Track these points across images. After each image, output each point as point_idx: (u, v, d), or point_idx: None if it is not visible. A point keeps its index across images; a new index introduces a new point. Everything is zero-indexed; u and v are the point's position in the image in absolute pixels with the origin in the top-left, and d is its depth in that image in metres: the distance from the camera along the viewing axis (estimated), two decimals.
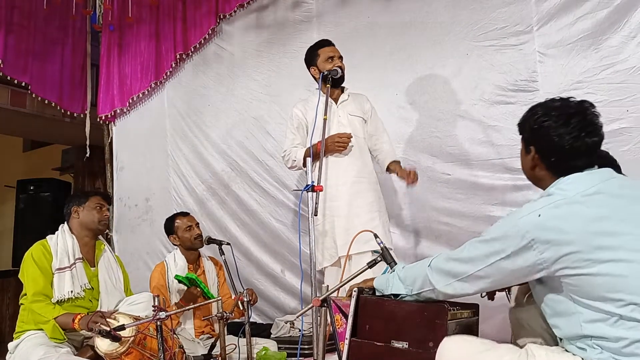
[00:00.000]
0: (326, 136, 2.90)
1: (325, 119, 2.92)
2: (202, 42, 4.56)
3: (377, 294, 1.84)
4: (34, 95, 4.90)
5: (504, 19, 3.27)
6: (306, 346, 3.17)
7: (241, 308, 2.69)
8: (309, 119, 3.10)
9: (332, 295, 1.94)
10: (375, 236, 2.05)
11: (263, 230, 4.19)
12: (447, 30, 3.47)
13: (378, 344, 1.73)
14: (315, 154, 2.92)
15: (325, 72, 3.01)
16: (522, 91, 3.19)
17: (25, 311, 2.71)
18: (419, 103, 3.56)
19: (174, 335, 2.62)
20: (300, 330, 3.35)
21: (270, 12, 4.28)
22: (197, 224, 3.47)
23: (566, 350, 1.47)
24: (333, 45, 3.16)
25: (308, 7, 4.07)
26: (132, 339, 2.37)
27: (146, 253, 4.70)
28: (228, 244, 3.26)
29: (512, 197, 3.14)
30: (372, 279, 1.88)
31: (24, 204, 6.37)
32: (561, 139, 1.50)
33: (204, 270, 3.41)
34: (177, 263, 3.32)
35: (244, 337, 2.63)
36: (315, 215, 2.69)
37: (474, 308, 1.91)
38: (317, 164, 2.85)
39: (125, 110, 4.98)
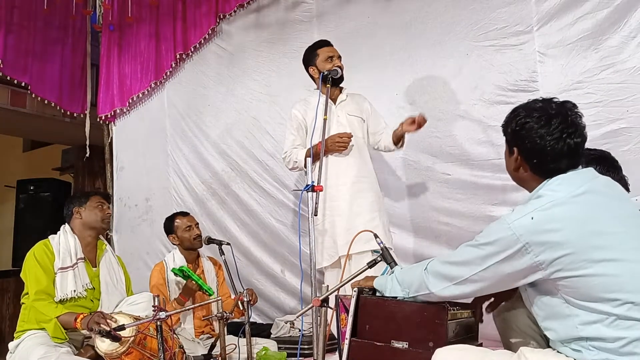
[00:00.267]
0: (326, 136, 2.90)
1: (325, 119, 2.92)
2: (202, 42, 4.56)
3: (377, 294, 1.84)
4: (33, 95, 4.90)
5: (504, 19, 3.27)
6: (306, 346, 3.18)
7: (241, 308, 2.69)
8: (308, 119, 3.10)
9: (340, 293, 1.94)
10: (376, 236, 2.05)
11: (263, 230, 4.19)
12: (447, 30, 3.47)
13: (378, 344, 1.73)
14: (315, 154, 2.92)
15: (325, 72, 3.02)
16: (522, 91, 3.18)
17: (27, 310, 2.71)
18: (419, 103, 3.56)
19: (174, 335, 2.62)
20: (300, 330, 3.35)
21: (270, 12, 4.28)
22: (197, 224, 3.47)
23: (559, 352, 1.46)
24: (332, 45, 3.16)
25: (308, 7, 4.07)
26: (132, 339, 2.37)
27: (146, 253, 4.70)
28: (228, 244, 3.26)
29: (512, 197, 3.14)
30: (373, 277, 1.89)
31: (24, 204, 6.36)
32: (542, 140, 1.49)
33: (203, 270, 3.41)
34: (176, 263, 3.32)
35: (244, 337, 2.63)
36: (315, 215, 2.69)
37: (474, 308, 1.91)
38: (317, 164, 2.85)
39: (125, 110, 4.98)
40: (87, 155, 5.20)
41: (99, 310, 2.75)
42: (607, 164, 2.13)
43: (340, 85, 3.17)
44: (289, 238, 4.04)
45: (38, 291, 2.69)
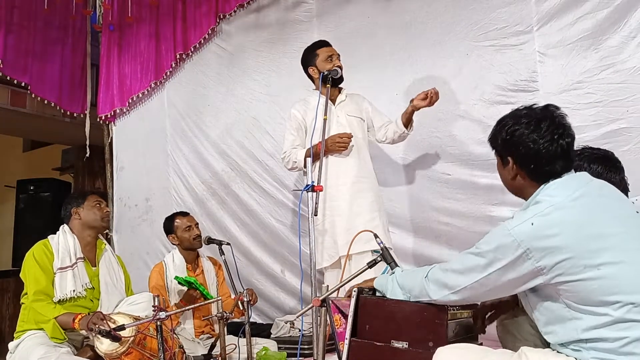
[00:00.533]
0: (326, 137, 2.90)
1: (325, 119, 2.92)
2: (202, 42, 4.56)
3: (377, 294, 1.84)
4: (33, 96, 4.90)
5: (504, 19, 3.27)
6: (306, 346, 3.17)
7: (241, 308, 2.69)
8: (308, 119, 3.10)
9: (331, 295, 1.94)
10: (375, 236, 2.05)
11: (263, 230, 4.19)
12: (447, 30, 3.47)
13: (378, 344, 1.73)
14: (315, 154, 2.92)
15: (325, 72, 3.02)
16: (522, 91, 3.18)
17: (26, 310, 2.71)
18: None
19: (174, 335, 2.62)
20: (300, 330, 3.35)
21: (270, 12, 4.28)
22: (197, 224, 3.47)
23: (559, 352, 1.47)
24: (330, 45, 3.16)
25: (308, 7, 4.07)
26: (132, 339, 2.37)
27: (146, 253, 4.70)
28: (228, 244, 3.26)
29: (512, 197, 3.07)
30: (373, 279, 1.88)
31: (24, 204, 6.37)
32: (536, 144, 1.51)
33: (202, 270, 3.41)
34: (175, 263, 3.32)
35: (244, 337, 2.63)
36: (315, 215, 2.69)
37: (474, 308, 1.91)
38: (317, 164, 2.85)
39: (125, 110, 4.98)
40: (87, 155, 5.20)
41: (98, 310, 2.74)
42: (609, 164, 2.13)
43: (340, 85, 3.17)
44: (289, 238, 4.04)
45: (37, 291, 2.68)
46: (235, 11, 4.41)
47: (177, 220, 3.42)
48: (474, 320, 1.90)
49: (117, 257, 3.13)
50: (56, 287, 2.71)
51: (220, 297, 2.83)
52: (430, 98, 2.94)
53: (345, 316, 1.84)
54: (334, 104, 3.14)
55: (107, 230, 4.87)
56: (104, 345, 2.37)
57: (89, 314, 2.62)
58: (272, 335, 3.53)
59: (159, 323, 2.28)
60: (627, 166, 2.17)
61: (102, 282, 2.90)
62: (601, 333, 1.36)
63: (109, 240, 4.86)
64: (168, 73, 4.72)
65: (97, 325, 2.38)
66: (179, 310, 2.91)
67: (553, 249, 1.39)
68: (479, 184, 3.30)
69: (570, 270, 1.38)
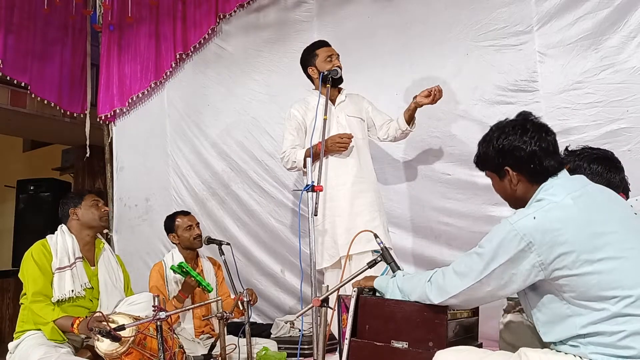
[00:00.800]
0: (326, 137, 2.90)
1: (325, 119, 2.92)
2: (202, 42, 4.56)
3: (377, 294, 1.84)
4: (33, 96, 4.90)
5: (504, 19, 3.27)
6: (306, 346, 3.18)
7: (241, 308, 2.69)
8: (307, 120, 3.10)
9: (340, 292, 1.95)
10: (376, 236, 2.05)
11: (263, 230, 4.19)
12: (447, 30, 3.47)
13: (378, 344, 1.73)
14: (315, 154, 2.92)
15: (325, 72, 3.02)
16: (522, 91, 3.19)
17: (26, 310, 2.71)
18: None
19: (174, 335, 2.62)
20: (300, 330, 3.35)
21: (270, 12, 4.27)
22: (198, 223, 3.48)
23: (558, 351, 1.48)
24: (330, 45, 3.16)
25: (308, 7, 4.07)
26: (132, 339, 2.37)
27: (146, 253, 4.70)
28: (228, 244, 3.26)
29: None
30: (373, 277, 1.89)
31: (24, 204, 6.37)
32: (528, 145, 1.56)
33: (202, 270, 3.41)
34: (175, 263, 3.32)
35: (244, 337, 2.63)
36: (315, 215, 2.70)
37: (474, 308, 1.91)
38: (317, 164, 2.85)
39: (125, 110, 4.98)
40: (87, 155, 5.20)
41: (98, 310, 2.73)
42: (609, 165, 2.13)
43: (339, 85, 3.17)
44: (289, 238, 4.04)
45: (35, 292, 2.67)
46: (235, 11, 4.41)
47: (178, 220, 3.42)
48: None
49: (116, 257, 3.12)
50: (55, 288, 2.70)
51: (220, 297, 2.83)
52: (434, 95, 2.95)
53: None
54: (334, 105, 3.14)
55: (107, 230, 4.88)
56: (104, 346, 2.37)
57: (86, 316, 2.62)
58: (272, 335, 3.53)
59: (159, 323, 2.28)
60: (627, 166, 2.17)
61: (101, 281, 2.89)
62: (599, 328, 1.38)
63: (109, 240, 4.86)
64: (168, 73, 4.72)
65: (98, 325, 2.38)
66: (179, 310, 2.91)
67: (555, 243, 1.41)
68: (479, 184, 3.29)
69: (570, 265, 1.40)
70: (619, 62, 2.93)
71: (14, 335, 2.72)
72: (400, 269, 1.95)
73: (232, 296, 3.22)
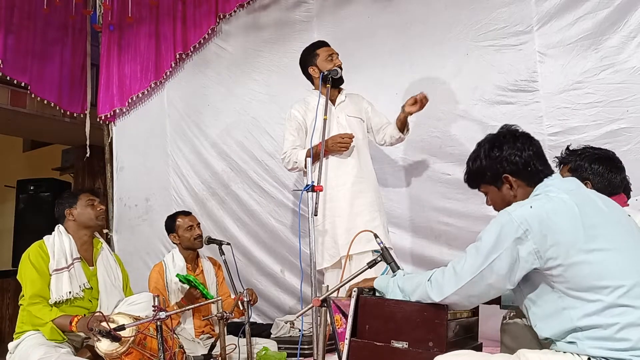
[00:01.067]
0: (326, 137, 2.90)
1: (325, 119, 2.92)
2: (202, 41, 4.56)
3: (377, 294, 1.84)
4: (33, 96, 4.90)
5: (504, 19, 3.27)
6: (306, 346, 3.18)
7: (241, 308, 2.69)
8: (308, 120, 3.10)
9: (332, 295, 1.94)
10: (376, 236, 2.05)
11: (263, 230, 4.19)
12: (447, 30, 3.47)
13: (378, 344, 1.73)
14: (315, 154, 2.92)
15: (325, 72, 3.02)
16: (522, 91, 3.18)
17: (25, 312, 2.70)
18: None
19: (174, 335, 2.62)
20: (300, 330, 3.35)
21: (270, 12, 4.27)
22: (198, 224, 3.48)
23: (556, 351, 1.49)
24: (329, 45, 3.17)
25: (308, 7, 4.07)
26: (132, 339, 2.37)
27: (146, 253, 4.70)
28: (228, 244, 3.26)
29: None
30: (373, 278, 1.89)
31: (24, 204, 6.37)
32: (522, 150, 1.65)
33: (202, 270, 3.41)
34: (175, 263, 3.32)
35: (244, 337, 2.63)
36: (315, 215, 2.69)
37: (474, 308, 1.91)
38: (317, 164, 2.85)
39: (125, 110, 4.98)
40: (87, 155, 5.20)
41: (98, 310, 2.73)
42: (610, 164, 2.13)
43: (340, 85, 3.17)
44: (289, 238, 4.04)
45: (33, 295, 2.66)
46: (235, 11, 4.41)
47: (179, 220, 3.42)
48: None
49: (114, 255, 3.10)
50: (52, 289, 2.69)
51: (220, 297, 2.83)
52: (420, 102, 2.96)
53: (346, 316, 1.84)
54: (334, 105, 3.14)
55: (107, 230, 4.88)
56: (104, 346, 2.37)
57: (85, 315, 2.61)
58: (272, 335, 3.53)
59: (159, 323, 2.28)
60: (627, 166, 2.17)
61: (100, 281, 2.87)
62: (594, 320, 1.41)
63: (109, 240, 4.86)
64: (168, 73, 4.72)
65: (98, 325, 2.38)
66: (179, 310, 2.91)
67: (550, 232, 1.46)
68: None
69: (564, 254, 1.44)
70: (619, 62, 2.93)
71: (14, 336, 2.72)
72: (400, 269, 1.95)
73: (232, 296, 3.22)
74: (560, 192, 1.54)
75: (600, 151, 2.19)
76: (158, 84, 4.79)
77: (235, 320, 3.17)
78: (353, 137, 2.99)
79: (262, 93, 4.25)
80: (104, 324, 2.38)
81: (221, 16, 4.45)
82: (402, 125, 3.09)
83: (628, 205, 2.14)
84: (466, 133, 3.36)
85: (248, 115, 4.29)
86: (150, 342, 2.46)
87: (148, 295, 2.82)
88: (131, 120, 4.99)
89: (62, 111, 5.13)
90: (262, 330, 3.71)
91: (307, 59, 3.16)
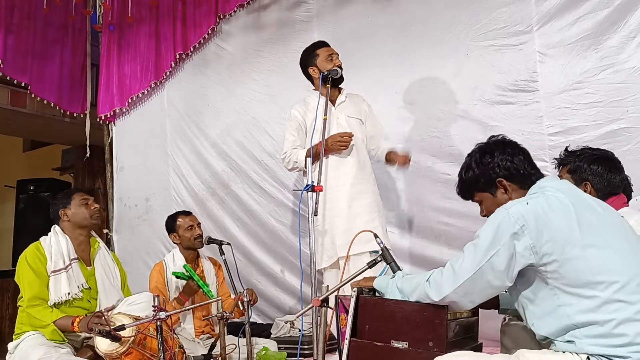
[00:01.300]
0: (326, 137, 2.90)
1: (325, 119, 2.92)
2: (202, 41, 4.56)
3: (377, 294, 1.84)
4: (33, 96, 4.90)
5: (504, 19, 3.27)
6: (306, 346, 3.18)
7: (241, 308, 2.69)
8: (308, 120, 3.10)
9: (340, 293, 1.95)
10: (376, 236, 2.05)
11: (263, 230, 4.19)
12: (447, 30, 3.47)
13: (378, 344, 1.73)
14: (315, 154, 2.92)
15: (325, 72, 3.01)
16: (522, 91, 3.19)
17: (24, 313, 2.70)
18: (418, 103, 3.56)
19: (174, 335, 2.62)
20: (300, 330, 3.35)
21: (270, 12, 4.27)
22: (199, 224, 3.47)
23: (555, 351, 1.49)
24: (329, 45, 3.17)
25: (308, 7, 4.07)
26: (132, 339, 2.36)
27: (146, 253, 4.70)
28: (228, 244, 3.26)
29: None
30: (373, 278, 1.89)
31: (24, 204, 6.37)
32: (512, 155, 1.69)
33: (202, 270, 3.41)
34: (176, 262, 3.32)
35: (244, 337, 2.63)
36: (315, 215, 2.69)
37: (474, 308, 1.91)
38: (317, 164, 2.85)
39: (125, 110, 4.98)
40: (87, 155, 5.20)
41: (98, 310, 2.72)
42: (609, 165, 2.13)
43: (340, 86, 3.17)
44: (288, 238, 4.04)
45: (31, 297, 2.66)
46: (235, 11, 4.41)
47: (180, 219, 3.41)
48: None
49: (112, 254, 3.09)
50: (51, 291, 2.68)
51: (220, 297, 2.83)
52: (404, 163, 3.09)
53: None
54: (334, 105, 3.13)
55: (107, 230, 4.88)
56: (104, 345, 2.37)
57: (86, 315, 2.61)
58: (272, 335, 3.53)
59: (159, 323, 2.28)
60: (627, 166, 2.17)
61: (99, 281, 2.86)
62: (591, 317, 1.41)
63: (109, 240, 4.86)
64: (168, 73, 4.72)
65: (97, 325, 2.38)
66: (179, 310, 2.90)
67: (545, 227, 1.48)
68: None
69: (560, 250, 1.46)
70: (619, 62, 2.93)
71: (13, 337, 2.71)
72: (400, 269, 1.95)
73: (232, 296, 3.22)
74: (556, 191, 1.56)
75: (599, 152, 2.19)
76: (158, 84, 4.79)
77: (235, 320, 3.17)
78: (352, 135, 2.99)
79: (262, 93, 4.25)
80: (104, 323, 2.39)
81: (221, 16, 4.45)
82: (387, 160, 3.15)
83: (628, 205, 2.14)
84: (466, 133, 3.36)
85: (248, 115, 4.29)
86: (150, 342, 2.46)
87: (148, 295, 2.81)
88: (131, 120, 4.99)
89: (62, 111, 5.13)
90: (262, 330, 3.71)
91: (307, 59, 3.16)
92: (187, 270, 3.09)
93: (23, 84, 4.82)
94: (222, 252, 3.13)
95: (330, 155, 3.00)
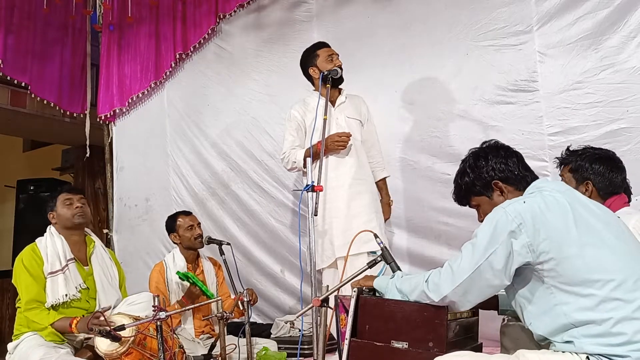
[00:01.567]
0: (325, 137, 2.90)
1: (325, 119, 2.92)
2: (202, 41, 4.56)
3: (377, 294, 1.84)
4: (33, 96, 4.90)
5: (504, 19, 3.27)
6: (306, 346, 3.18)
7: (241, 308, 2.69)
8: (307, 120, 3.10)
9: (340, 293, 1.95)
10: (375, 236, 2.05)
11: (263, 230, 4.19)
12: (447, 30, 3.47)
13: (378, 344, 1.73)
14: (315, 154, 2.92)
15: (325, 72, 3.02)
16: (522, 91, 3.18)
17: (22, 315, 2.69)
18: (418, 103, 3.56)
19: (174, 335, 2.62)
20: (300, 330, 3.35)
21: (270, 12, 4.27)
22: (199, 223, 3.48)
23: (555, 351, 1.49)
24: (330, 46, 3.17)
25: (308, 7, 4.07)
26: (132, 339, 2.36)
27: (146, 253, 4.70)
28: (228, 244, 3.26)
29: None
30: (372, 277, 1.89)
31: (24, 204, 6.37)
32: (506, 158, 1.73)
33: (202, 270, 3.41)
34: (176, 263, 3.32)
35: (244, 337, 2.63)
36: (315, 215, 2.69)
37: (474, 308, 1.91)
38: (317, 164, 2.85)
39: (124, 110, 4.98)
40: (87, 155, 5.20)
41: (97, 310, 2.71)
42: (611, 164, 2.13)
43: (339, 86, 3.18)
44: (288, 238, 4.04)
45: (29, 300, 2.65)
46: (235, 11, 4.41)
47: (180, 219, 3.42)
48: None
49: (109, 253, 3.07)
50: (48, 293, 2.66)
51: (220, 297, 2.83)
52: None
53: None
54: (334, 106, 3.14)
55: (107, 230, 4.88)
56: (104, 346, 2.37)
57: (84, 316, 2.60)
58: (272, 335, 3.53)
59: (159, 323, 2.28)
60: (627, 166, 2.17)
61: (97, 281, 2.85)
62: (589, 315, 1.42)
63: (109, 241, 4.86)
64: (168, 73, 4.72)
65: (97, 325, 2.37)
66: (179, 310, 2.90)
67: (542, 226, 1.48)
68: None
69: (557, 248, 1.46)
70: (619, 62, 2.93)
71: (12, 337, 2.70)
72: (399, 269, 1.95)
73: (232, 296, 3.22)
74: (553, 191, 1.57)
75: (601, 151, 2.19)
76: (158, 84, 4.79)
77: (235, 320, 3.17)
78: (351, 135, 3.00)
79: (262, 93, 4.25)
80: (104, 324, 2.38)
81: (221, 16, 4.45)
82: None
83: (629, 205, 2.14)
84: (466, 133, 3.36)
85: (248, 115, 4.29)
86: (150, 342, 2.46)
87: (148, 295, 2.81)
88: (131, 120, 4.99)
89: (62, 111, 5.12)
90: (262, 330, 3.71)
91: (308, 60, 3.16)
92: (190, 278, 3.08)
93: (23, 84, 4.82)
94: (222, 252, 3.13)
95: (329, 156, 3.01)
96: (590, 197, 1.90)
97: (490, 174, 1.71)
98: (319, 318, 2.00)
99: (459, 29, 3.42)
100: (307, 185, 2.70)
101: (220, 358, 2.63)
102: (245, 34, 4.40)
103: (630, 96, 2.89)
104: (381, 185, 3.23)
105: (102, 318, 2.42)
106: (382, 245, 2.02)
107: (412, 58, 3.59)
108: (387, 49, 3.70)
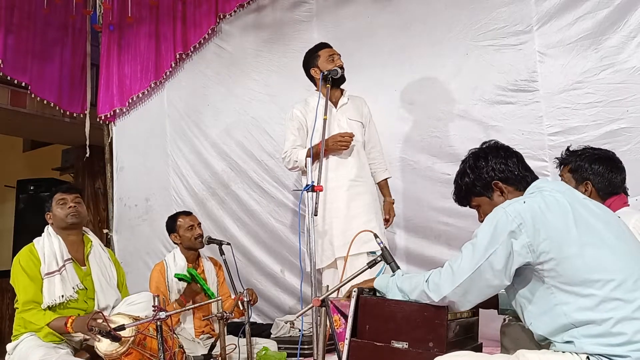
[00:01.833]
0: (326, 137, 2.90)
1: (325, 119, 2.92)
2: (202, 41, 4.56)
3: (378, 294, 1.84)
4: (33, 96, 4.90)
5: (503, 19, 3.27)
6: (306, 346, 3.18)
7: (241, 308, 2.69)
8: (308, 120, 3.10)
9: (330, 295, 1.94)
10: (375, 236, 2.05)
11: (263, 230, 4.19)
12: (447, 30, 3.47)
13: (378, 344, 1.73)
14: (315, 154, 2.92)
15: (326, 72, 3.02)
16: (522, 91, 3.19)
17: (20, 315, 2.68)
18: (418, 103, 3.56)
19: (174, 335, 2.62)
20: (300, 330, 3.35)
21: (270, 12, 4.27)
22: (199, 224, 3.48)
23: (555, 351, 1.49)
24: (331, 47, 3.17)
25: (308, 7, 4.07)
26: (132, 339, 2.36)
27: (146, 253, 4.70)
28: (228, 244, 3.26)
29: None
30: (372, 279, 1.89)
31: (24, 204, 6.36)
32: (506, 158, 1.73)
33: (203, 270, 3.41)
34: (176, 262, 3.32)
35: (244, 337, 2.63)
36: (315, 215, 2.70)
37: (474, 308, 1.91)
38: (317, 164, 2.85)
39: (124, 110, 4.98)
40: (87, 155, 5.20)
41: (97, 310, 2.70)
42: (610, 165, 2.13)
43: (341, 87, 3.18)
44: (288, 238, 4.04)
45: (26, 301, 2.64)
46: (235, 11, 4.41)
47: (180, 220, 3.41)
48: None
49: (108, 252, 3.05)
50: (44, 294, 2.65)
51: (220, 297, 2.83)
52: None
53: (345, 316, 1.84)
54: (335, 107, 3.14)
55: (107, 230, 4.88)
56: (103, 346, 2.37)
57: (79, 315, 2.60)
58: (272, 335, 3.53)
59: (159, 323, 2.28)
60: (627, 166, 2.18)
61: (95, 281, 2.83)
62: (589, 315, 1.42)
63: (109, 241, 4.86)
64: (168, 73, 4.72)
65: (97, 324, 2.37)
66: (179, 310, 2.90)
67: (543, 226, 1.48)
68: None
69: (557, 248, 1.46)
70: (619, 62, 2.93)
71: (12, 338, 2.70)
72: (399, 269, 1.95)
73: (233, 296, 3.22)
74: (553, 191, 1.57)
75: (601, 151, 2.19)
76: (158, 84, 4.79)
77: (235, 320, 3.17)
78: (353, 135, 3.00)
79: (262, 93, 4.25)
80: (103, 324, 2.38)
81: (221, 16, 4.45)
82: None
83: (628, 205, 2.14)
84: (466, 133, 3.36)
85: (248, 115, 4.29)
86: (150, 342, 2.46)
87: (148, 295, 2.80)
88: (131, 120, 4.99)
89: (62, 111, 5.12)
90: (262, 330, 3.71)
91: (309, 60, 3.17)
92: (191, 274, 3.08)
93: (23, 84, 4.82)
94: (222, 252, 3.13)
95: (330, 156, 3.01)
96: (589, 197, 1.90)
97: (490, 175, 1.71)
98: (319, 318, 2.00)
99: (458, 29, 3.42)
100: (307, 186, 2.70)
101: (220, 358, 2.63)
102: (245, 34, 4.40)
103: (630, 96, 2.89)
104: (383, 185, 3.23)
105: (101, 318, 2.42)
106: (382, 245, 2.02)
107: (412, 58, 3.60)
108: (387, 49, 3.71)
